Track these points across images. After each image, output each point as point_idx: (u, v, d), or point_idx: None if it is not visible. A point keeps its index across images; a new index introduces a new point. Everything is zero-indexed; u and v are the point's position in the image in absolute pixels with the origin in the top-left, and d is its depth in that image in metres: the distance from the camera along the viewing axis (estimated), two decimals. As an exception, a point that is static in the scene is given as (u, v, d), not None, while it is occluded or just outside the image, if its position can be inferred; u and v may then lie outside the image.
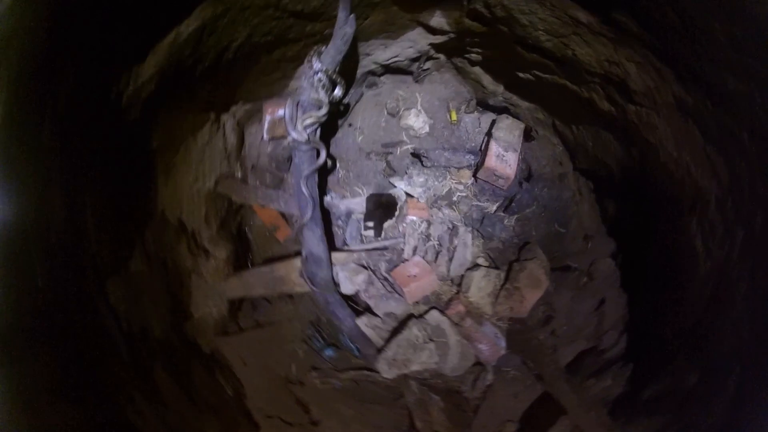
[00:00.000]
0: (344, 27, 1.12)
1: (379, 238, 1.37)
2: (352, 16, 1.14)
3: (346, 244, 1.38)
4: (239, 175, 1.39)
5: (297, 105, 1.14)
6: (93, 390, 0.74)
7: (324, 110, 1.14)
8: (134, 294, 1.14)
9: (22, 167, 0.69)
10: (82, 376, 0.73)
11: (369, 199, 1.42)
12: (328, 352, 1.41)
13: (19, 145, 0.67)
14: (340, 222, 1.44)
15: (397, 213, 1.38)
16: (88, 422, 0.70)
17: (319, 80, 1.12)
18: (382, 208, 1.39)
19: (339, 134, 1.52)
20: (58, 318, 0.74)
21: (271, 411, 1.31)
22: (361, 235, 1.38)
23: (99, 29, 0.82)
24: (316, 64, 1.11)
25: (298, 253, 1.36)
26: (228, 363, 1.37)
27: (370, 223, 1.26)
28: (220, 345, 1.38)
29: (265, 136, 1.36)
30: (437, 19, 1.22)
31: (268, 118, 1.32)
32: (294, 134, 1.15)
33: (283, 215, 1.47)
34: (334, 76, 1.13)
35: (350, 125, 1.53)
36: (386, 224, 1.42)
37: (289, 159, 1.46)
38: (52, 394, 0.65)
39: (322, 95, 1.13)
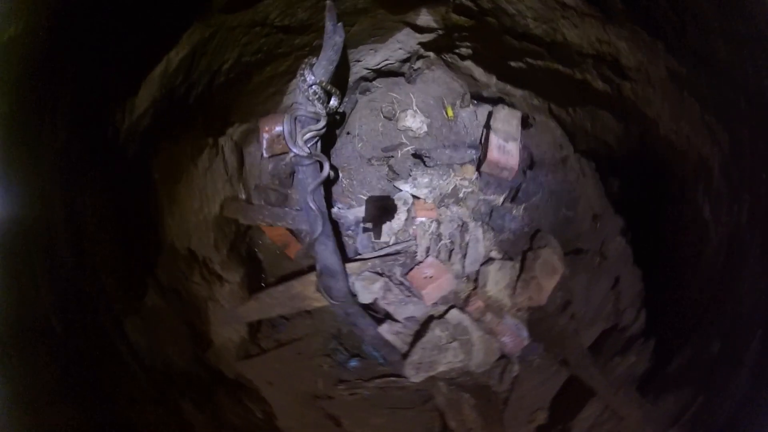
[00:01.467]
0: (333, 36, 1.13)
1: (391, 244, 1.37)
2: (339, 24, 1.14)
3: (359, 254, 1.38)
4: (243, 196, 1.39)
5: (294, 120, 1.14)
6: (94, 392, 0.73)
7: (322, 123, 1.14)
8: (153, 329, 1.14)
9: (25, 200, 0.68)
10: (85, 378, 0.72)
11: (367, 202, 1.43)
12: (353, 363, 1.41)
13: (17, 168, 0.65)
14: (350, 232, 1.45)
15: (405, 217, 1.38)
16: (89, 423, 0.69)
17: (314, 93, 1.12)
18: (380, 210, 1.39)
19: (338, 144, 1.53)
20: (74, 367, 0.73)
21: (302, 429, 1.31)
22: (372, 242, 1.38)
23: (89, 68, 0.82)
24: (310, 77, 1.11)
25: (312, 268, 1.36)
26: (254, 386, 1.37)
27: (369, 225, 1.27)
28: (244, 369, 1.38)
29: (264, 154, 1.36)
30: (424, 18, 1.23)
31: (265, 136, 1.32)
32: (295, 150, 1.15)
33: (291, 231, 1.47)
34: (328, 87, 1.13)
35: (348, 133, 1.53)
36: (386, 227, 1.42)
37: (292, 175, 1.46)
38: (55, 395, 0.64)
39: (319, 108, 1.14)
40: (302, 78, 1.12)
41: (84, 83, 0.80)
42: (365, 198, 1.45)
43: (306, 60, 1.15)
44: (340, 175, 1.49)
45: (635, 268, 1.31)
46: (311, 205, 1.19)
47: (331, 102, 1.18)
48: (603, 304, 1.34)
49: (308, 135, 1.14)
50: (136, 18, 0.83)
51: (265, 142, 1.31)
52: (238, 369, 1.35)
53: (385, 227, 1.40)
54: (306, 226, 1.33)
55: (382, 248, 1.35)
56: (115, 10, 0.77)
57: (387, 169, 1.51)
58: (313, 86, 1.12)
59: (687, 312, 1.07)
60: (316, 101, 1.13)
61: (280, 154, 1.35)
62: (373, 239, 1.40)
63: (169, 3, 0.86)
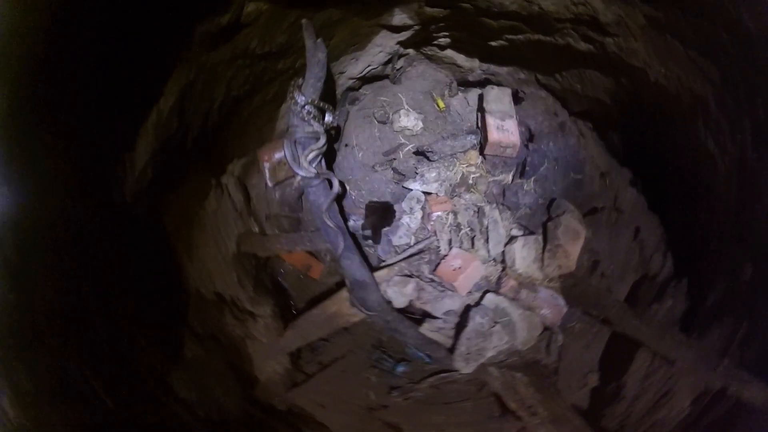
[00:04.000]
0: (315, 53, 1.14)
1: (413, 245, 1.39)
2: (319, 40, 1.15)
3: (382, 260, 1.39)
4: (257, 229, 1.39)
5: (294, 143, 1.15)
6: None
7: (322, 140, 1.15)
8: (199, 379, 1.14)
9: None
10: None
11: (366, 208, 1.44)
12: (400, 368, 1.43)
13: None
14: (369, 242, 1.45)
15: (420, 215, 1.40)
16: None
17: (308, 112, 1.14)
18: (378, 214, 1.40)
19: (339, 158, 1.54)
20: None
21: (366, 444, 1.31)
22: (394, 247, 1.40)
23: (82, 138, 0.81)
24: (300, 98, 1.12)
25: (340, 285, 1.37)
26: (308, 413, 1.38)
27: (368, 232, 1.27)
28: (294, 398, 1.39)
29: (269, 183, 1.37)
30: (398, 17, 1.25)
31: (266, 165, 1.33)
32: (302, 173, 1.16)
33: (311, 253, 1.48)
34: (320, 104, 1.14)
35: (346, 145, 1.55)
36: (403, 228, 1.44)
37: (300, 198, 1.46)
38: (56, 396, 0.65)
39: (316, 126, 1.15)
40: (293, 100, 1.13)
41: (81, 152, 0.80)
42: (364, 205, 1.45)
43: (293, 82, 1.17)
44: (347, 188, 1.50)
45: (652, 215, 1.34)
46: (328, 223, 1.20)
47: (326, 118, 1.19)
48: (629, 256, 1.37)
49: (311, 155, 1.15)
50: (120, 73, 0.83)
51: (267, 172, 1.31)
52: (288, 400, 1.36)
53: (403, 228, 1.41)
54: (326, 245, 1.34)
55: (405, 250, 1.37)
56: (99, 69, 0.77)
57: (392, 172, 1.53)
58: (306, 106, 1.13)
59: (712, 245, 1.10)
60: (311, 120, 1.14)
61: (284, 180, 1.36)
62: (373, 243, 1.39)
63: (149, 50, 0.86)
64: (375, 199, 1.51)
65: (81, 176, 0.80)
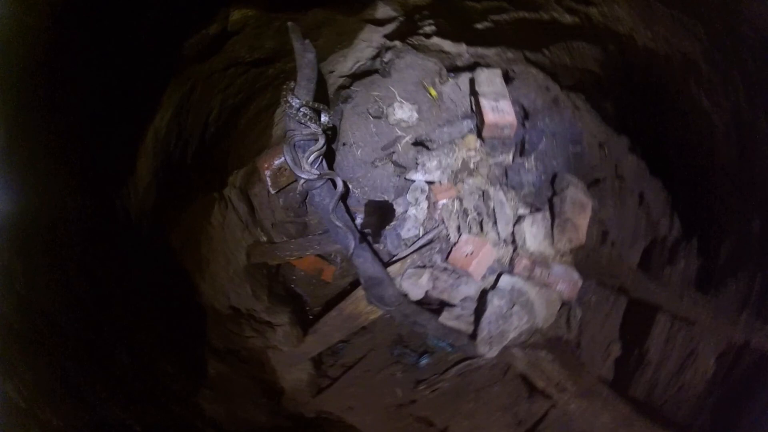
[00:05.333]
0: (305, 54, 1.14)
1: (422, 236, 1.40)
2: (307, 41, 1.16)
3: (393, 255, 1.40)
4: (264, 239, 1.40)
5: (294, 147, 1.15)
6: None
7: (321, 141, 1.16)
8: (225, 395, 1.13)
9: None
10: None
11: (365, 207, 1.44)
12: (424, 361, 1.43)
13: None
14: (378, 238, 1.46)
15: (426, 205, 1.41)
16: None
17: (304, 114, 1.14)
18: (377, 213, 1.40)
19: (338, 157, 1.55)
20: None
21: (398, 440, 1.32)
22: (403, 240, 1.40)
23: (85, 162, 0.81)
24: (295, 101, 1.13)
25: (353, 284, 1.37)
26: (336, 416, 1.38)
27: (368, 230, 1.26)
28: (321, 404, 1.39)
29: (271, 191, 1.37)
30: (382, 10, 1.26)
31: (267, 173, 1.33)
32: (304, 176, 1.16)
33: (321, 256, 1.48)
34: (315, 105, 1.15)
35: (344, 144, 1.55)
36: (411, 220, 1.44)
37: (304, 202, 1.46)
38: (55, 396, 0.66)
39: (314, 127, 1.15)
40: (288, 104, 1.14)
41: (81, 153, 0.79)
42: (365, 202, 1.46)
43: (285, 86, 1.17)
44: (350, 186, 1.51)
45: (654, 180, 1.36)
46: (337, 223, 1.21)
47: (322, 118, 1.20)
48: (636, 222, 1.38)
49: (312, 157, 1.15)
50: (118, 80, 0.83)
51: (268, 180, 1.31)
52: (316, 406, 1.36)
53: (410, 220, 1.42)
54: (335, 247, 1.35)
55: (414, 242, 1.37)
56: (99, 68, 0.77)
57: (393, 166, 1.53)
58: (301, 108, 1.13)
59: (717, 202, 1.12)
60: (308, 122, 1.15)
61: (286, 186, 1.36)
62: (373, 242, 1.39)
63: (140, 68, 0.85)
64: (373, 198, 1.52)
65: (81, 177, 0.79)
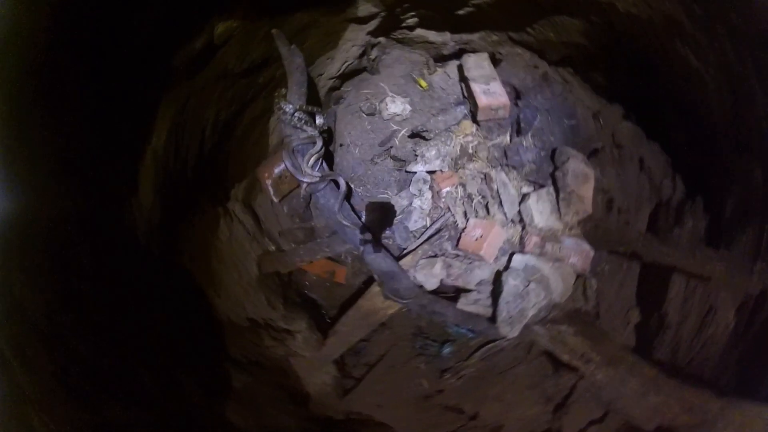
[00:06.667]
0: (293, 59, 1.16)
1: (429, 226, 1.41)
2: (293, 46, 1.17)
3: (403, 249, 1.41)
4: (273, 248, 1.40)
5: (293, 152, 1.16)
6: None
7: (319, 143, 1.17)
8: (253, 407, 1.14)
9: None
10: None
11: (366, 208, 1.44)
12: (446, 350, 1.44)
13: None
14: (386, 233, 1.47)
15: (430, 195, 1.42)
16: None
17: (299, 119, 1.15)
18: (376, 214, 1.39)
19: (337, 159, 1.56)
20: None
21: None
22: (411, 232, 1.41)
23: (82, 133, 0.80)
24: (288, 107, 1.14)
25: (367, 283, 1.37)
26: (366, 416, 1.38)
27: (368, 236, 1.23)
28: (349, 405, 1.40)
29: (274, 200, 1.37)
30: (363, 7, 1.27)
31: (268, 182, 1.34)
32: (306, 179, 1.17)
33: (331, 259, 1.48)
34: (308, 108, 1.16)
35: (341, 145, 1.56)
36: (416, 211, 1.45)
37: (308, 207, 1.47)
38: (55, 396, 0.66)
39: (310, 130, 1.16)
40: (281, 111, 1.15)
41: (81, 153, 0.79)
42: (365, 204, 1.46)
43: (277, 93, 1.18)
44: (352, 186, 1.52)
45: (652, 143, 1.37)
46: (344, 222, 1.22)
47: (317, 120, 1.21)
48: (640, 187, 1.40)
49: (312, 160, 1.16)
50: (112, 113, 0.83)
51: (270, 189, 1.32)
52: (344, 408, 1.36)
53: (416, 212, 1.43)
54: (344, 248, 1.35)
55: (423, 233, 1.38)
56: (99, 67, 0.77)
57: (392, 161, 1.55)
58: (296, 113, 1.15)
59: (717, 158, 1.13)
60: (304, 125, 1.16)
61: (289, 193, 1.37)
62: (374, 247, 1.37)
63: (133, 86, 0.86)
64: (376, 195, 1.53)
65: (80, 177, 0.79)
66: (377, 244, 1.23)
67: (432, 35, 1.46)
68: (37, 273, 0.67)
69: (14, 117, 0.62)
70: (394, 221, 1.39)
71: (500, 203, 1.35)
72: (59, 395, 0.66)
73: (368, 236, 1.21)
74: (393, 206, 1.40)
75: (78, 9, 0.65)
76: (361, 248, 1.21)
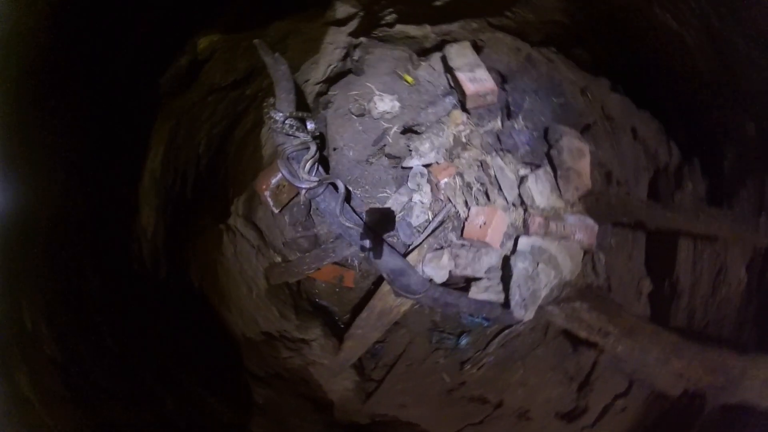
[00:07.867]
0: (278, 67, 1.16)
1: (432, 219, 1.41)
2: (277, 54, 1.17)
3: (408, 245, 1.41)
4: (278, 259, 1.40)
5: (288, 160, 1.16)
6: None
7: (313, 148, 1.17)
8: (278, 420, 1.13)
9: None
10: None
11: (367, 214, 1.43)
12: (464, 341, 1.44)
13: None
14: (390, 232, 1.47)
15: (429, 188, 1.42)
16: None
17: (290, 126, 1.15)
18: (376, 217, 1.37)
19: (332, 163, 1.56)
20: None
21: (457, 425, 1.32)
22: (414, 228, 1.41)
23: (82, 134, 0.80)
24: (278, 115, 1.14)
25: (376, 284, 1.37)
26: (391, 417, 1.38)
27: (367, 244, 1.20)
28: (373, 408, 1.39)
29: (275, 210, 1.37)
30: (341, 9, 1.28)
31: (266, 194, 1.33)
32: (304, 185, 1.17)
33: (338, 264, 1.48)
34: (299, 114, 1.16)
35: (335, 149, 1.57)
36: (417, 206, 1.45)
37: (309, 215, 1.47)
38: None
39: (303, 136, 1.17)
40: (272, 120, 1.15)
41: (81, 154, 0.79)
42: (366, 210, 1.46)
43: (266, 103, 1.18)
44: (350, 188, 1.52)
45: (642, 112, 1.38)
46: (347, 224, 1.21)
47: (309, 125, 1.21)
48: (636, 157, 1.40)
49: (308, 165, 1.17)
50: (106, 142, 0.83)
51: (270, 200, 1.32)
52: (368, 411, 1.36)
53: (417, 207, 1.43)
54: (350, 251, 1.35)
55: (426, 227, 1.38)
56: (98, 67, 0.76)
57: (387, 158, 1.55)
58: (286, 120, 1.15)
59: (709, 119, 1.14)
60: (296, 132, 1.16)
61: (289, 202, 1.37)
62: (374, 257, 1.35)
63: (123, 109, 0.86)
64: (374, 196, 1.53)
65: (80, 178, 0.78)
66: (382, 239, 1.23)
67: (412, 30, 1.47)
68: (37, 273, 0.67)
69: (14, 117, 0.62)
70: (396, 219, 1.39)
71: (499, 188, 1.36)
72: (59, 395, 0.66)
73: (372, 236, 1.21)
74: (393, 211, 1.40)
75: (78, 9, 0.65)
76: (367, 248, 1.20)
